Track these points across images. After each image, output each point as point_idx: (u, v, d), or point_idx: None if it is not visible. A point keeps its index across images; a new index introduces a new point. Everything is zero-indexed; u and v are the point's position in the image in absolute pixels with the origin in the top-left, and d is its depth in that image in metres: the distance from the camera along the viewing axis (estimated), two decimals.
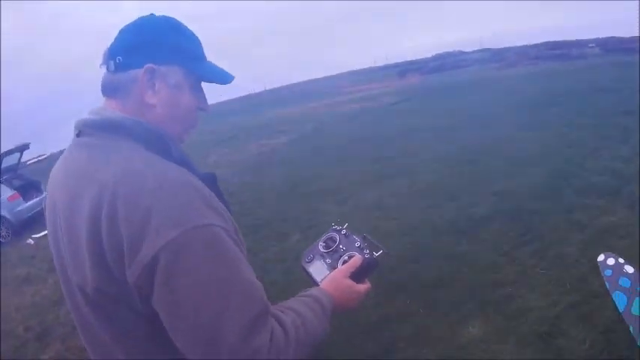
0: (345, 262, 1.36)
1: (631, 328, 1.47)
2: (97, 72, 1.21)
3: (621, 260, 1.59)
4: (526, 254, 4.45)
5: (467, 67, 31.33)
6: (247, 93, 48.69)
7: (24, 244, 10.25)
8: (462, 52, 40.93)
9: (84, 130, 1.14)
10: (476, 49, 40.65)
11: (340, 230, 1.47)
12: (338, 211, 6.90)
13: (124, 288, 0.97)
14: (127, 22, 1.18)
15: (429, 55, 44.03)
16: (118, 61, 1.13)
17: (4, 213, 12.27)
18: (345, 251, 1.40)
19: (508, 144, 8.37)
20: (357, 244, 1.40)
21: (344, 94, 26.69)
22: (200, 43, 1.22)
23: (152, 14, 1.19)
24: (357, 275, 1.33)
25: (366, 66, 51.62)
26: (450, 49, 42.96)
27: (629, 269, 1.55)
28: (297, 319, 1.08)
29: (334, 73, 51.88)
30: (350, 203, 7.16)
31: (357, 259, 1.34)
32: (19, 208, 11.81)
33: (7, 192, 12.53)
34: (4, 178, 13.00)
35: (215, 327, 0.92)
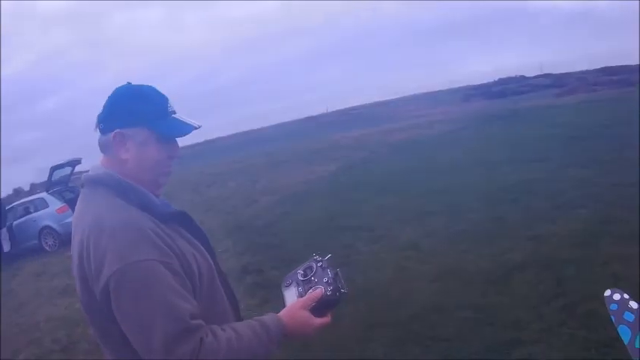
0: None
1: None
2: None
3: (626, 296, 1.64)
4: (554, 310, 4.16)
5: (528, 93, 31.18)
6: (309, 115, 49.33)
7: (68, 255, 10.60)
8: (523, 78, 41.04)
9: (83, 183, 1.44)
10: (537, 74, 41.28)
11: (319, 261, 1.52)
12: (370, 249, 6.79)
13: (99, 304, 1.27)
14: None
15: (492, 79, 44.23)
16: (100, 127, 1.42)
17: (52, 224, 13.10)
18: (315, 283, 1.46)
19: (554, 182, 8.02)
20: (326, 280, 1.45)
21: (403, 119, 26.52)
22: (163, 103, 1.45)
23: (126, 84, 1.48)
24: (315, 309, 1.42)
25: (431, 89, 51.37)
26: (512, 74, 43.11)
27: (634, 305, 1.61)
28: (233, 337, 1.28)
29: (398, 96, 51.82)
30: (384, 242, 7.00)
31: (317, 293, 1.43)
32: (67, 220, 12.23)
33: (57, 204, 13.40)
34: (55, 190, 13.82)
35: (147, 338, 1.20)
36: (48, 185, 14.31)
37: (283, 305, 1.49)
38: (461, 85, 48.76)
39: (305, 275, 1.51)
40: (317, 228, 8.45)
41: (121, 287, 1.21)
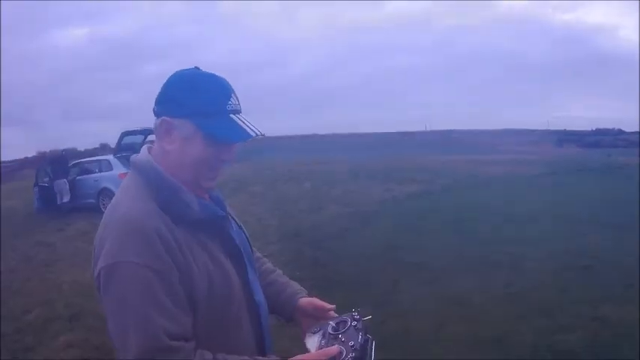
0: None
1: None
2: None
3: None
4: None
5: (624, 148, 29.37)
6: (408, 130, 48.91)
7: None
8: (621, 132, 39.70)
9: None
10: (636, 130, 38.68)
11: (355, 319, 1.35)
12: (409, 298, 6.13)
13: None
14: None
15: (589, 128, 43.09)
16: (154, 110, 1.32)
17: (112, 187, 13.14)
18: (341, 342, 1.28)
19: (634, 256, 6.85)
20: (352, 344, 1.26)
21: (495, 153, 25.42)
22: (222, 99, 1.29)
23: (189, 69, 1.33)
24: None
25: (527, 127, 49.51)
26: (610, 126, 41.86)
27: None
28: None
29: (494, 127, 50.27)
30: (427, 291, 6.35)
31: (333, 350, 1.24)
32: None
33: (121, 169, 13.52)
34: (122, 155, 14.09)
35: (122, 347, 1.13)
36: (116, 149, 14.78)
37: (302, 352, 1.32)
38: (557, 127, 47.49)
39: (336, 329, 1.34)
40: (364, 259, 7.95)
41: (107, 284, 1.15)
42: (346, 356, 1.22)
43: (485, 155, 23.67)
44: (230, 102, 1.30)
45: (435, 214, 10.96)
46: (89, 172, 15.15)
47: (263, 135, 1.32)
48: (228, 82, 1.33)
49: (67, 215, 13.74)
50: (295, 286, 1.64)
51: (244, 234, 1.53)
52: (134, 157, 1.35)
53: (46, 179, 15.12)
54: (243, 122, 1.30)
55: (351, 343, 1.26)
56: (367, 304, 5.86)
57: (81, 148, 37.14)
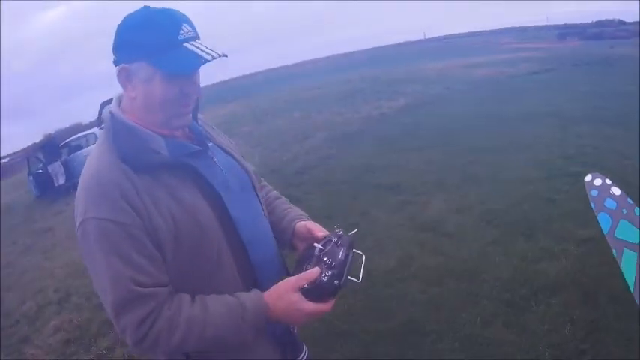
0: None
1: (614, 251, 1.43)
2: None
3: (608, 182, 1.53)
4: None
5: (625, 39, 27.77)
6: (404, 40, 47.18)
7: None
8: (621, 22, 39.13)
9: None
10: (636, 20, 37.33)
11: (338, 235, 1.36)
12: (386, 220, 5.53)
13: None
14: None
15: (589, 20, 42.46)
16: (113, 60, 1.26)
17: None
18: (324, 263, 1.27)
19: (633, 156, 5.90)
20: (330, 261, 1.26)
21: (492, 53, 23.94)
22: (173, 31, 1.21)
23: (138, 10, 1.24)
24: (309, 292, 1.23)
25: (527, 24, 47.63)
26: (611, 17, 41.34)
27: (616, 191, 1.50)
28: (198, 312, 1.19)
29: (495, 27, 48.47)
30: (405, 212, 5.68)
31: (311, 273, 1.25)
32: None
33: None
34: None
35: (103, 298, 1.18)
36: (98, 121, 14.31)
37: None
38: (558, 23, 46.49)
39: (322, 250, 1.32)
40: (344, 182, 7.42)
41: (82, 241, 1.18)
42: (322, 276, 1.23)
43: (482, 57, 22.40)
44: (182, 31, 1.22)
45: (421, 129, 10.16)
46: (79, 148, 15.01)
47: (223, 56, 1.24)
48: (178, 12, 1.25)
49: (66, 196, 13.47)
50: (295, 211, 1.63)
51: (241, 165, 1.49)
52: (102, 113, 1.33)
53: (40, 165, 15.26)
54: (198, 48, 1.22)
55: (330, 260, 1.25)
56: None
57: (85, 121, 36.53)
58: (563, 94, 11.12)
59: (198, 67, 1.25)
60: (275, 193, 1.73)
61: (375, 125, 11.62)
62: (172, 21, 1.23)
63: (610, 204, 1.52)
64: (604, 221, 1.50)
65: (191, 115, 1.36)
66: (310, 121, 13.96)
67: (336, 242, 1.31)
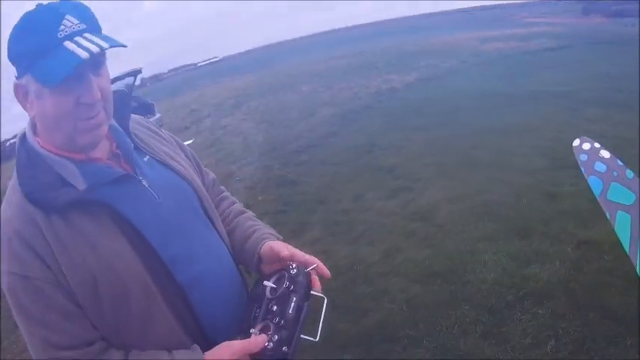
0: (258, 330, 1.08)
1: (607, 214, 1.40)
2: None
3: (597, 145, 1.52)
4: None
5: None
6: (418, 13, 46.14)
7: None
8: None
9: None
10: None
11: (292, 275, 1.11)
12: (379, 207, 5.25)
13: None
14: None
15: None
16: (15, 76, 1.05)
17: None
18: (272, 314, 1.07)
19: None
20: (277, 319, 1.06)
21: (512, 26, 23.07)
22: (50, 29, 0.96)
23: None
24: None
25: None
26: None
27: (606, 154, 1.48)
28: None
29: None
30: (399, 198, 5.36)
31: (257, 341, 1.04)
32: None
33: None
34: None
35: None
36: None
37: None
38: None
39: (273, 292, 1.11)
40: (343, 163, 7.14)
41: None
42: (271, 340, 1.03)
43: (500, 30, 21.56)
44: (62, 27, 0.96)
45: (428, 106, 9.77)
46: None
47: (115, 46, 0.99)
48: (61, 3, 0.98)
49: None
50: (262, 230, 1.36)
51: (183, 178, 1.22)
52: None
53: None
54: (79, 45, 0.95)
55: (278, 318, 1.06)
56: (319, 227, 5.13)
57: None
58: (576, 74, 10.51)
59: (71, 71, 0.95)
60: (239, 206, 1.48)
61: (383, 101, 11.28)
62: (51, 16, 0.97)
63: (600, 167, 1.49)
64: (595, 184, 1.47)
65: (106, 126, 1.09)
66: (318, 96, 13.66)
67: (287, 287, 1.09)
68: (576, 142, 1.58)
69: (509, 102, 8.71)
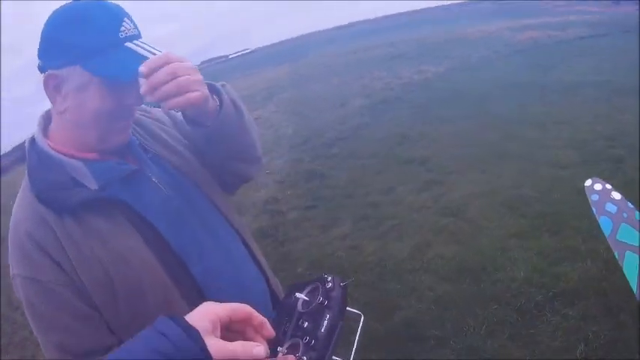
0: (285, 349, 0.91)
1: (616, 254, 1.38)
2: None
3: (608, 186, 1.50)
4: None
5: None
6: (449, 2, 45.17)
7: None
8: None
9: None
10: None
11: (325, 294, 0.97)
12: (410, 201, 5.20)
13: None
14: None
15: None
16: (39, 66, 1.04)
17: None
18: (303, 331, 0.93)
19: None
20: (308, 339, 0.91)
21: (544, 15, 22.36)
22: (112, 27, 0.99)
23: (65, 5, 1.03)
24: None
25: None
26: None
27: (617, 196, 1.47)
28: None
29: None
30: (430, 192, 5.28)
31: None
32: None
33: None
34: None
35: None
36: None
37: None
38: None
39: (306, 306, 0.97)
40: (379, 152, 7.10)
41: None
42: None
43: (534, 19, 20.89)
44: (123, 28, 1.00)
45: (460, 96, 9.55)
46: None
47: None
48: (117, 5, 1.02)
49: None
50: None
51: (186, 173, 1.21)
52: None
53: None
54: (143, 49, 1.00)
55: (309, 335, 0.91)
56: (348, 222, 5.13)
57: None
58: (611, 63, 10.07)
59: (130, 78, 0.99)
60: None
61: (414, 91, 11.08)
62: (112, 16, 1.01)
63: (611, 208, 1.48)
64: (605, 224, 1.46)
65: (130, 129, 1.13)
66: (349, 86, 13.49)
67: (321, 303, 0.98)
68: (588, 183, 1.54)
69: (542, 92, 8.43)
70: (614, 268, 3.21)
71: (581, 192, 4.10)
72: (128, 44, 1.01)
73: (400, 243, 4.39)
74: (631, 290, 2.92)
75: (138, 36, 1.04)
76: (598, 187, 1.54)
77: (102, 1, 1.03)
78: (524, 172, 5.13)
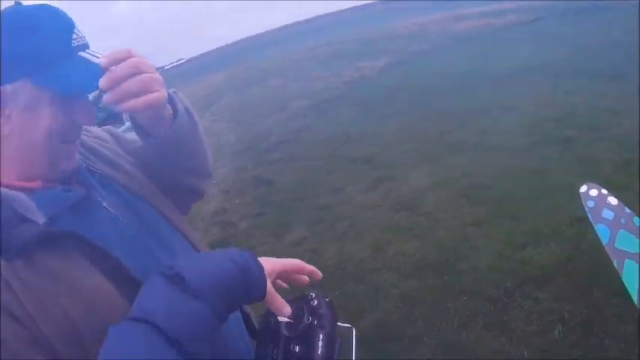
0: None
1: (615, 263, 1.34)
2: None
3: (604, 192, 1.47)
4: None
5: None
6: None
7: None
8: None
9: None
10: None
11: (313, 307, 0.87)
12: (361, 200, 5.09)
13: None
14: None
15: None
16: None
17: None
18: (296, 357, 0.83)
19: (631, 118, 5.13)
20: (319, 352, 0.82)
21: (479, 5, 23.02)
22: (63, 34, 0.87)
23: (9, 8, 0.88)
24: None
25: None
26: None
27: (613, 201, 1.44)
28: None
29: None
30: (381, 189, 5.20)
31: None
32: None
33: None
34: None
35: None
36: None
37: None
38: None
39: (292, 329, 0.84)
40: (324, 153, 6.97)
41: None
42: None
43: (470, 8, 21.47)
44: (75, 36, 0.88)
45: (402, 90, 9.63)
46: None
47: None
48: (64, 11, 0.89)
49: None
50: None
51: (144, 195, 1.07)
52: None
53: None
54: (97, 58, 0.86)
55: (319, 350, 0.82)
56: (301, 226, 4.95)
57: None
58: (552, 47, 10.44)
59: (91, 91, 0.89)
60: None
61: (355, 89, 11.12)
62: (63, 22, 0.89)
63: (607, 214, 1.44)
64: (602, 232, 1.41)
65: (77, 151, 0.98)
66: (288, 88, 13.45)
67: (310, 323, 0.86)
68: (583, 189, 1.50)
69: (485, 81, 8.60)
70: (579, 247, 3.21)
71: (536, 173, 4.15)
72: (82, 54, 0.88)
73: (358, 243, 4.26)
74: (599, 266, 2.92)
75: (87, 45, 0.92)
76: (594, 192, 1.51)
77: (48, 5, 0.89)
78: (476, 161, 5.13)
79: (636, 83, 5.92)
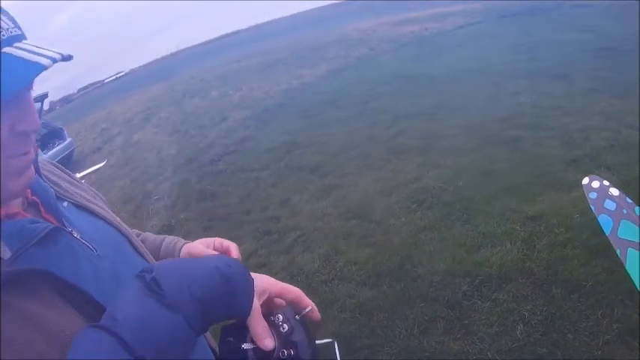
0: None
1: (618, 252, 1.38)
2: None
3: (606, 183, 1.51)
4: None
5: None
6: (323, 4, 46.27)
7: None
8: None
9: None
10: None
11: (286, 333, 0.77)
12: (309, 209, 4.97)
13: None
14: None
15: None
16: None
17: None
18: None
19: (572, 115, 5.45)
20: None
21: (417, 9, 23.50)
22: None
23: None
24: None
25: None
26: None
27: (615, 192, 1.48)
28: None
29: None
30: (329, 198, 5.09)
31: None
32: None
33: None
34: None
35: None
36: None
37: None
38: None
39: (262, 356, 0.74)
40: (269, 163, 6.82)
41: None
42: None
43: (411, 13, 21.85)
44: (1, 28, 0.72)
45: (344, 97, 9.62)
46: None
47: (67, 58, 0.75)
48: None
49: None
50: (169, 238, 1.24)
51: (115, 226, 1.01)
52: None
53: None
54: (28, 51, 0.72)
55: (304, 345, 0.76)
56: (250, 239, 4.71)
57: None
58: (492, 48, 10.76)
59: (33, 78, 0.74)
60: (135, 231, 1.25)
61: (296, 97, 11.00)
62: None
63: (610, 205, 1.48)
64: (605, 223, 1.45)
65: (33, 167, 0.84)
66: (228, 99, 13.19)
67: (287, 356, 0.73)
68: (585, 181, 1.54)
69: (427, 84, 8.71)
70: (533, 246, 3.21)
71: (486, 174, 4.13)
72: (7, 49, 0.73)
73: (309, 254, 4.14)
74: (555, 263, 2.92)
75: (22, 37, 0.76)
76: (596, 184, 1.53)
77: None
78: (424, 164, 5.11)
79: (580, 81, 6.14)
